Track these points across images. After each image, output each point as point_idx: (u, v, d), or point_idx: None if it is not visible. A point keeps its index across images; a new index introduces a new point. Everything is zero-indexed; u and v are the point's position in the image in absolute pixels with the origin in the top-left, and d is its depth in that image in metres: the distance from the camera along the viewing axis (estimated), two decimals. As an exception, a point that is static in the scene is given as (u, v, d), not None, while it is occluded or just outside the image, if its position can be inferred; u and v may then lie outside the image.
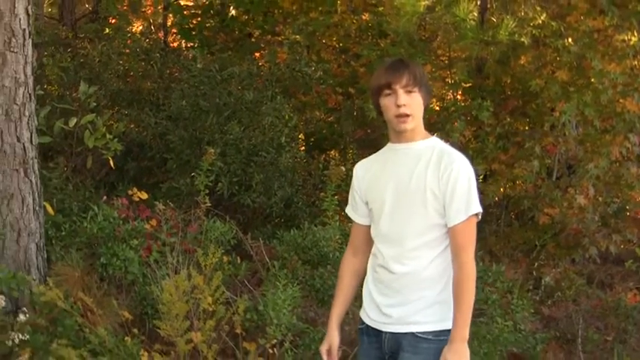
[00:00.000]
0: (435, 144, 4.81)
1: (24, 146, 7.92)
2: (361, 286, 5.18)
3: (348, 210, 5.21)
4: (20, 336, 6.90)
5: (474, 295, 4.65)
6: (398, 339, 4.77)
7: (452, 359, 4.53)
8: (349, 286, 5.21)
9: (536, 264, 11.30)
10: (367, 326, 4.98)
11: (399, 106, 4.63)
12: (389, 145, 4.96)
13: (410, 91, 4.63)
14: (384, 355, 4.90)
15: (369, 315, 4.95)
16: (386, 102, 4.71)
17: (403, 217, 4.74)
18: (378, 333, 4.89)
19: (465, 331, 4.58)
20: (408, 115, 4.66)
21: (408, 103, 4.63)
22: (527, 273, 11.01)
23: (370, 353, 5.00)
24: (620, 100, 11.07)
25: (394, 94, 4.64)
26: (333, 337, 5.13)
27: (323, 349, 5.17)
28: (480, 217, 4.74)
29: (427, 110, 4.79)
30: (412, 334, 4.72)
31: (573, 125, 11.28)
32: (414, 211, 4.69)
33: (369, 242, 5.08)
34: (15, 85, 7.84)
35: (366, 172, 5.05)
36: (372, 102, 4.95)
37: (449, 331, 4.63)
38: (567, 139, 11.22)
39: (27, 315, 7.20)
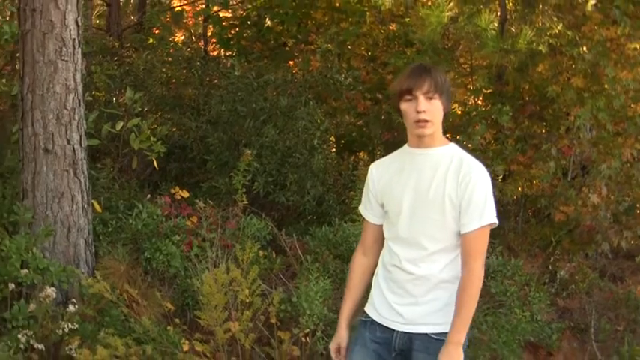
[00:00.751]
0: (454, 151, 4.70)
1: (74, 148, 7.95)
2: (370, 284, 5.08)
3: (361, 209, 5.10)
4: (70, 325, 6.93)
5: (476, 302, 4.56)
6: (410, 338, 4.67)
7: None
8: (359, 285, 5.10)
9: (551, 258, 11.24)
10: (373, 321, 4.85)
11: (419, 112, 4.50)
12: (406, 148, 4.83)
13: (430, 98, 4.50)
14: (387, 353, 4.77)
15: (380, 312, 4.82)
16: (406, 107, 4.57)
17: (421, 222, 4.61)
18: (385, 330, 4.77)
19: (461, 335, 4.50)
20: (427, 121, 4.53)
21: (428, 109, 4.50)
22: (544, 267, 10.96)
23: (369, 346, 4.85)
24: (632, 105, 11.11)
25: (415, 100, 4.51)
26: (342, 336, 5.05)
27: (332, 347, 5.10)
28: (494, 225, 4.60)
29: (449, 115, 4.70)
30: (426, 334, 4.63)
31: (587, 129, 11.24)
32: (432, 217, 4.57)
33: (380, 242, 5.00)
34: (65, 91, 7.87)
35: (382, 173, 4.92)
36: (394, 106, 4.86)
37: None
38: (581, 141, 11.19)
39: (76, 306, 7.22)
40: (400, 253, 4.68)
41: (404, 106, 4.58)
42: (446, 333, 4.53)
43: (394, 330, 4.71)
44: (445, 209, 4.52)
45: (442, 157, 4.63)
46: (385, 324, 4.76)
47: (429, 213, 4.56)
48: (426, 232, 4.59)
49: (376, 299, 4.86)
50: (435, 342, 4.56)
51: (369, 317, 4.87)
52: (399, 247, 4.71)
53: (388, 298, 4.76)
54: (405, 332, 4.67)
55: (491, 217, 4.52)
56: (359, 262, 5.08)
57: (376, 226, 4.97)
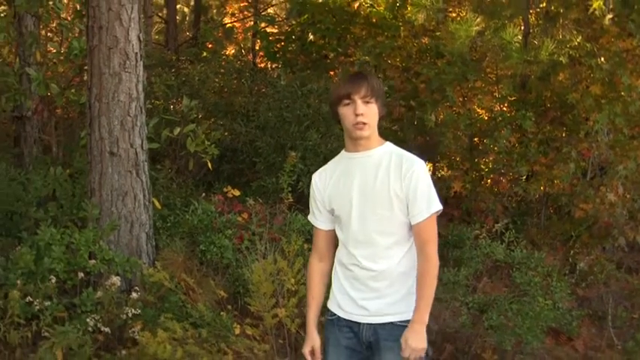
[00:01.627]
0: (392, 149, 4.62)
1: (136, 151, 8.04)
2: (329, 286, 4.93)
3: (310, 218, 4.91)
4: (133, 310, 7.02)
5: (435, 284, 4.50)
6: (376, 329, 4.57)
7: (412, 338, 4.37)
8: (321, 289, 4.93)
9: (572, 252, 11.21)
10: (339, 318, 4.71)
11: (357, 115, 4.41)
12: (345, 153, 4.70)
13: (367, 102, 4.42)
14: (359, 345, 4.66)
15: (344, 308, 4.68)
16: (345, 111, 4.47)
17: (372, 220, 4.50)
18: (352, 324, 4.65)
19: (425, 316, 4.42)
20: (365, 124, 4.44)
21: (366, 112, 4.42)
22: (564, 259, 10.94)
23: (340, 343, 4.72)
24: (646, 111, 11.02)
25: (353, 104, 4.41)
26: (314, 339, 4.85)
27: (306, 350, 4.88)
28: (440, 212, 4.55)
29: (382, 119, 4.58)
30: (391, 323, 4.53)
31: (605, 132, 11.22)
32: (381, 213, 4.48)
33: (333, 246, 4.86)
34: (128, 99, 7.96)
35: (325, 181, 4.74)
36: (332, 112, 4.71)
37: None
38: (600, 144, 11.17)
39: (138, 293, 7.31)
40: (357, 253, 4.57)
41: (342, 110, 4.49)
42: (408, 320, 4.45)
43: (360, 323, 4.61)
44: (393, 204, 4.46)
45: (382, 155, 4.54)
46: (350, 318, 4.65)
47: (378, 209, 4.48)
48: (377, 229, 4.51)
49: (339, 297, 4.73)
50: (401, 328, 4.47)
51: (335, 315, 4.75)
52: (355, 247, 4.59)
53: (352, 295, 4.64)
54: (371, 324, 4.58)
55: (437, 205, 4.49)
56: (316, 269, 4.92)
57: (327, 231, 4.83)
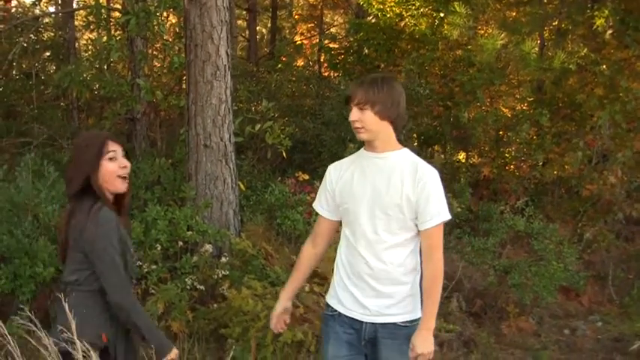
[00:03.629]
0: (408, 156, 4.16)
1: (225, 144, 8.07)
2: (313, 270, 4.74)
3: (316, 205, 4.47)
4: (222, 272, 7.06)
5: (441, 289, 4.10)
6: (377, 328, 4.16)
7: (420, 345, 4.01)
8: (306, 272, 4.57)
9: (579, 224, 11.14)
10: (340, 314, 4.27)
11: (351, 121, 4.08)
12: (363, 152, 4.28)
13: (362, 108, 4.02)
14: (359, 341, 4.23)
15: (345, 304, 4.24)
16: (349, 115, 4.12)
17: (381, 219, 4.07)
18: (353, 322, 4.22)
19: (432, 322, 4.06)
20: (359, 128, 4.06)
21: (359, 118, 4.03)
22: (574, 230, 10.88)
23: (341, 337, 4.28)
24: (641, 108, 10.97)
25: (351, 109, 4.07)
26: (282, 306, 4.51)
27: (273, 315, 4.53)
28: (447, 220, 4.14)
29: (397, 122, 4.17)
30: (393, 324, 4.13)
31: (607, 126, 11.10)
32: (391, 214, 4.04)
33: (329, 235, 4.48)
34: (219, 102, 8.00)
35: (340, 174, 4.31)
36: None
37: (419, 318, 4.11)
38: (602, 136, 11.10)
39: (227, 258, 7.35)
40: (361, 249, 4.14)
41: (349, 114, 4.13)
42: (411, 320, 4.15)
43: (362, 321, 4.19)
44: (403, 207, 4.02)
45: (397, 160, 4.11)
46: (352, 316, 4.22)
47: (387, 210, 4.05)
48: (385, 228, 4.07)
49: (340, 293, 4.28)
50: (401, 328, 4.15)
51: (336, 311, 4.30)
52: (360, 242, 4.15)
53: (352, 292, 4.19)
54: (373, 323, 4.16)
55: (446, 214, 4.07)
56: (308, 252, 4.51)
57: (328, 221, 4.40)
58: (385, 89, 4.09)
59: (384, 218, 4.06)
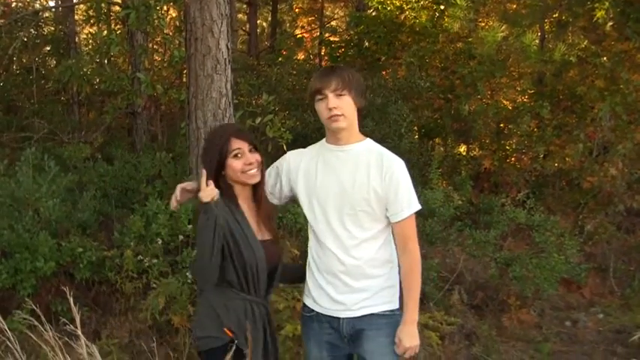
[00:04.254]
0: (372, 146, 4.05)
1: (226, 137, 8.04)
2: None
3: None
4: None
5: (420, 280, 3.98)
6: (356, 322, 4.00)
7: (405, 339, 3.90)
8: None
9: (580, 216, 11.17)
10: (317, 313, 4.09)
11: (330, 109, 3.85)
12: (325, 144, 4.11)
13: (339, 95, 3.85)
14: (340, 340, 4.08)
15: (321, 304, 4.06)
16: (319, 106, 3.93)
17: (349, 215, 3.93)
18: (332, 320, 4.05)
19: (415, 314, 3.94)
20: (339, 115, 3.87)
21: (339, 105, 3.86)
22: (575, 222, 10.92)
23: (321, 339, 4.12)
24: (641, 100, 11.00)
25: (325, 99, 3.86)
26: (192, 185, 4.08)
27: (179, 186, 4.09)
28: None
29: (361, 110, 4.04)
30: (371, 314, 3.99)
31: (607, 118, 11.13)
32: (359, 208, 3.90)
33: None
34: (219, 96, 7.96)
35: (299, 163, 4.13)
36: (310, 108, 4.06)
37: (399, 309, 4.01)
38: (603, 128, 11.15)
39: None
40: (331, 246, 3.97)
41: (317, 106, 3.95)
42: (390, 310, 4.02)
43: (339, 318, 4.03)
44: (371, 200, 3.90)
45: (362, 152, 3.99)
46: (329, 314, 4.05)
47: (355, 205, 3.91)
48: (354, 223, 3.93)
49: (314, 292, 4.09)
50: (380, 317, 4.01)
51: (313, 311, 4.12)
52: (329, 239, 3.98)
53: (327, 290, 4.02)
54: (350, 318, 4.01)
55: (416, 204, 3.96)
56: None
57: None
58: (354, 76, 3.98)
59: (352, 214, 3.93)
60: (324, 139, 4.13)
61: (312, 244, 4.15)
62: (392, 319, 4.00)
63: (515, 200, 10.79)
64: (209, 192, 3.83)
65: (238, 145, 3.89)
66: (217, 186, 3.87)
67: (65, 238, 7.23)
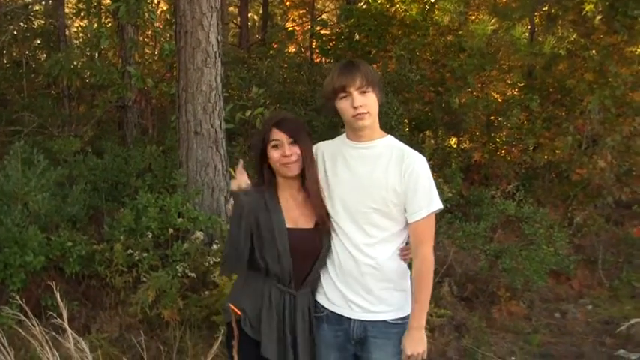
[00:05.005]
0: (394, 142, 3.93)
1: (216, 131, 8.02)
2: None
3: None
4: (214, 259, 7.01)
5: (431, 286, 3.84)
6: (365, 326, 3.89)
7: (410, 345, 3.78)
8: None
9: (570, 208, 11.22)
10: (328, 313, 3.99)
11: (355, 108, 3.74)
12: (345, 140, 3.99)
13: (364, 92, 3.74)
14: (348, 342, 3.97)
15: (333, 301, 3.96)
16: (342, 105, 3.80)
17: (367, 214, 3.82)
18: (342, 320, 3.95)
19: (423, 320, 3.81)
20: (365, 113, 3.76)
21: (364, 102, 3.74)
22: (564, 214, 10.97)
23: (331, 341, 4.00)
24: (630, 93, 11.01)
25: (350, 96, 3.75)
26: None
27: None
28: (440, 210, 3.87)
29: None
30: (384, 321, 3.88)
31: (596, 111, 11.14)
32: (376, 207, 3.79)
33: None
34: (209, 89, 7.95)
35: (323, 156, 4.03)
36: (328, 106, 3.96)
37: (409, 315, 3.86)
38: (592, 121, 11.16)
39: (218, 245, 7.31)
40: (347, 244, 3.86)
41: (340, 104, 3.82)
42: (402, 317, 3.89)
43: (350, 319, 3.92)
44: (388, 198, 3.78)
45: (383, 149, 3.87)
46: (340, 312, 3.94)
47: (371, 203, 3.80)
48: (371, 222, 3.82)
49: (327, 289, 3.98)
50: (392, 326, 3.89)
51: (324, 311, 4.00)
52: (346, 238, 3.87)
53: (340, 289, 3.91)
54: (362, 320, 3.89)
55: (438, 203, 3.82)
56: None
57: None
58: (374, 71, 3.89)
59: (370, 212, 3.82)
60: (343, 135, 4.03)
61: (332, 240, 4.00)
62: (402, 328, 3.87)
63: (505, 192, 10.84)
64: (236, 181, 4.01)
65: (278, 136, 3.90)
66: (261, 174, 4.00)
67: (55, 232, 7.21)
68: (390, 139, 3.95)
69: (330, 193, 3.94)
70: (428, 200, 3.79)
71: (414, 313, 3.82)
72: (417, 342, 3.80)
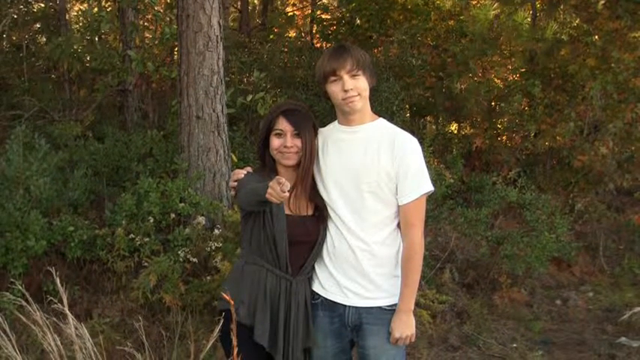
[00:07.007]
0: (385, 124, 3.92)
1: (217, 115, 8.00)
2: None
3: None
4: (215, 244, 7.00)
5: (420, 269, 3.86)
6: (361, 313, 3.87)
7: (399, 328, 3.79)
8: None
9: (571, 195, 11.21)
10: (323, 300, 3.97)
11: (346, 91, 3.72)
12: (338, 126, 3.96)
13: (355, 75, 3.72)
14: (344, 328, 3.95)
15: (326, 288, 3.95)
16: (333, 88, 3.78)
17: (359, 197, 3.80)
18: (336, 307, 3.93)
19: (411, 303, 3.82)
20: (356, 96, 3.74)
21: (355, 86, 3.73)
22: (565, 201, 10.95)
23: (327, 328, 3.98)
24: (632, 79, 10.95)
25: (340, 80, 3.73)
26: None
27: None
28: (430, 193, 3.85)
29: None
30: (379, 307, 3.86)
31: (598, 97, 11.09)
32: (369, 190, 3.78)
33: None
34: (211, 73, 7.92)
35: (319, 142, 4.00)
36: (320, 90, 3.95)
37: None
38: (594, 107, 11.09)
39: (220, 230, 7.28)
40: (341, 229, 3.85)
41: (330, 87, 3.80)
42: (396, 304, 3.84)
43: (345, 306, 3.90)
44: (381, 181, 3.77)
45: (374, 131, 3.86)
46: (334, 299, 3.92)
47: (364, 186, 3.79)
48: (365, 206, 3.80)
49: (321, 276, 3.97)
50: (387, 312, 3.86)
51: (319, 298, 3.98)
52: (339, 222, 3.86)
53: (334, 274, 3.90)
54: (356, 307, 3.88)
55: (428, 186, 3.80)
56: None
57: None
58: (365, 55, 3.86)
59: (363, 196, 3.80)
60: (336, 121, 4.00)
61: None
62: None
63: (506, 179, 10.83)
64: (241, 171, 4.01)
65: (283, 126, 3.90)
66: (263, 158, 4.04)
67: (56, 216, 7.19)
68: (382, 122, 3.95)
69: (324, 180, 3.93)
70: (418, 182, 3.78)
71: (402, 296, 3.82)
72: (405, 325, 3.81)
